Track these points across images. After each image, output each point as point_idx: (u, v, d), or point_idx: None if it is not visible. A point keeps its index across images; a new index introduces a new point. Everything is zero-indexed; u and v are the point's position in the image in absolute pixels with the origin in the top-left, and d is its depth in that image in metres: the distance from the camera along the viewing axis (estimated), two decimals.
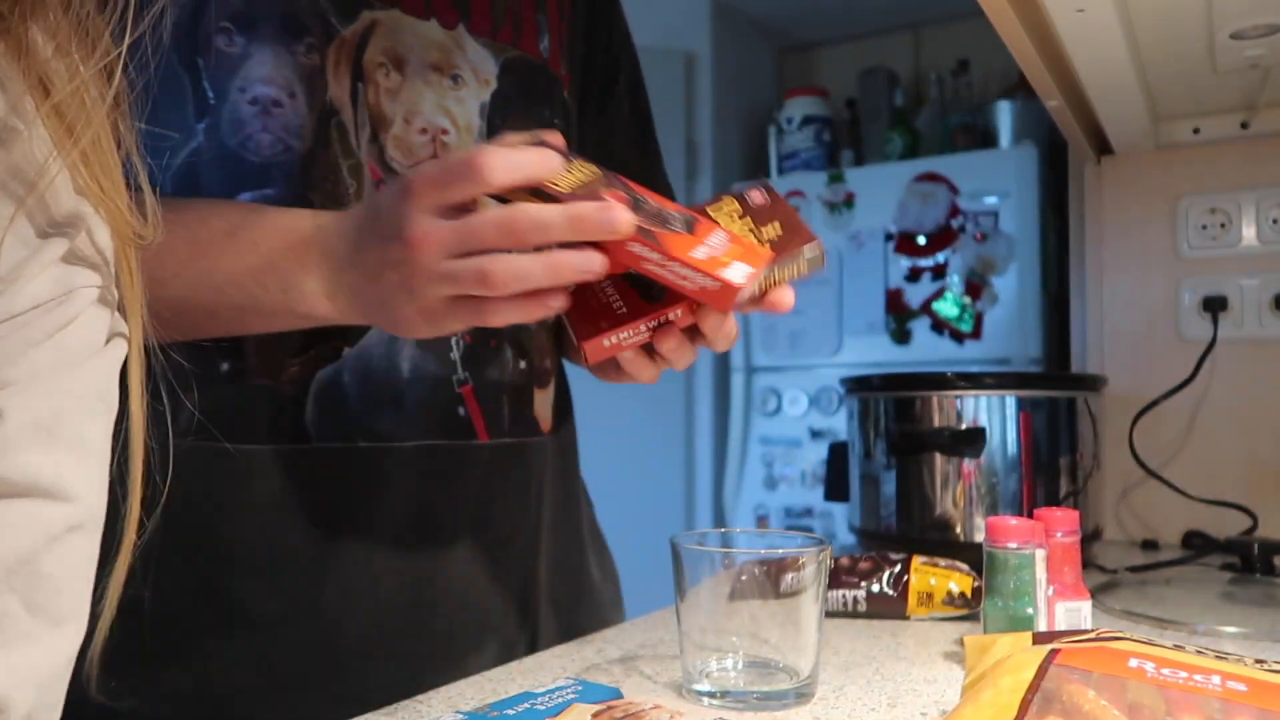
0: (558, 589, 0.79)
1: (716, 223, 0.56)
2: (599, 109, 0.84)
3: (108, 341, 0.37)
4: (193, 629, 0.61)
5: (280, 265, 0.55)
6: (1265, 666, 0.47)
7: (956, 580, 0.80)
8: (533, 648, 0.75)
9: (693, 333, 0.57)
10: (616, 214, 0.49)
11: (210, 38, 0.61)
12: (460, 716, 0.47)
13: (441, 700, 0.60)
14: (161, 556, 0.48)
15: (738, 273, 0.51)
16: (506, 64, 0.71)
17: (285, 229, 0.56)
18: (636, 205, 0.52)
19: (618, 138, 0.85)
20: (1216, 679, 0.44)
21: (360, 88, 0.64)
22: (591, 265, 0.50)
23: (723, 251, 0.52)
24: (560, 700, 0.48)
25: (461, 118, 0.67)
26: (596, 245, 0.51)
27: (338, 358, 0.64)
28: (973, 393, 1.02)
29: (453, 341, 0.67)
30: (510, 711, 0.46)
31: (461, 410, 0.68)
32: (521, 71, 0.72)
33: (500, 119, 0.70)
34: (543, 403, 0.76)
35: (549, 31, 0.75)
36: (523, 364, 0.72)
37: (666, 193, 0.88)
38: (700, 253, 0.51)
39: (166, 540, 0.47)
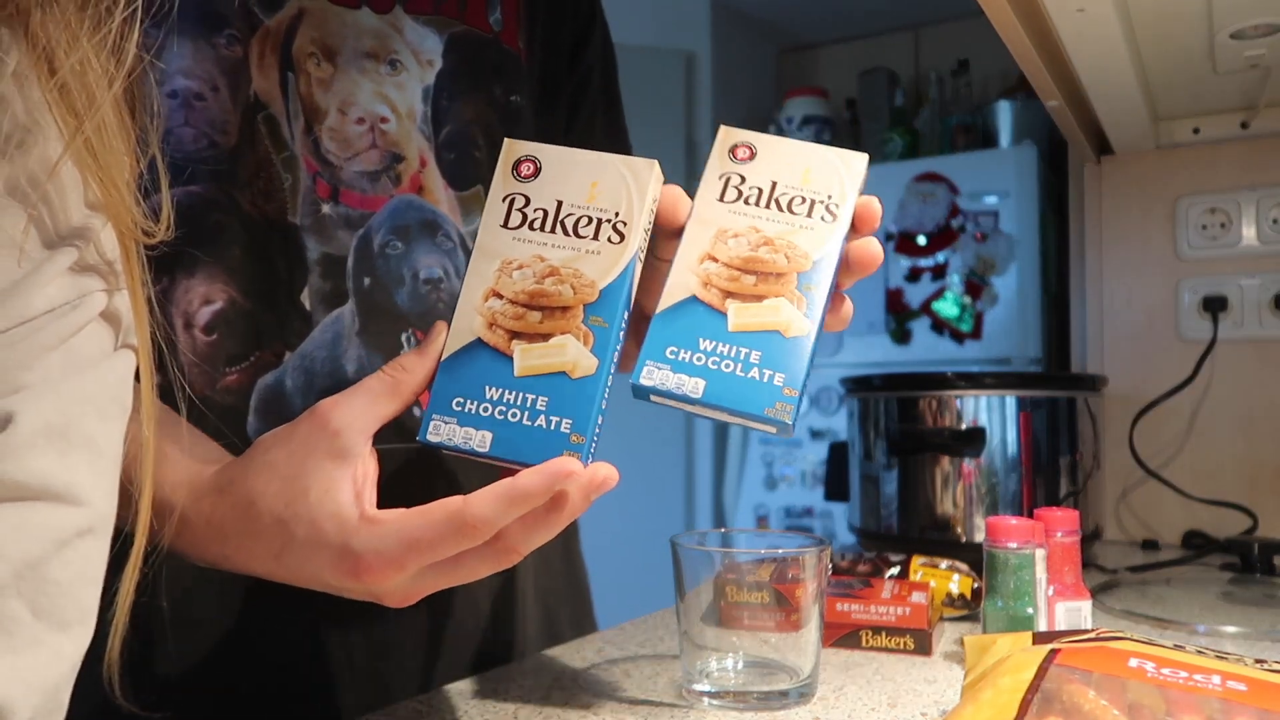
0: (541, 585, 0.77)
1: None
2: (573, 101, 0.79)
3: (120, 346, 0.37)
4: (204, 639, 0.60)
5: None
6: (1265, 666, 0.47)
7: (957, 581, 0.80)
8: (525, 649, 0.73)
9: None
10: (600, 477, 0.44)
11: None
12: None
13: (441, 700, 0.60)
14: (169, 569, 0.47)
15: None
16: (451, 40, 0.67)
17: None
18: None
19: (594, 138, 0.81)
20: (1216, 679, 0.44)
21: (291, 78, 0.60)
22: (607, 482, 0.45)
23: None
24: None
25: (402, 104, 0.64)
26: None
27: (279, 362, 0.60)
28: (973, 393, 1.02)
29: (403, 338, 0.64)
30: None
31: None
32: (468, 47, 0.67)
33: (447, 99, 0.66)
34: None
35: (501, 3, 0.71)
36: None
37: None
38: None
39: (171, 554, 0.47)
